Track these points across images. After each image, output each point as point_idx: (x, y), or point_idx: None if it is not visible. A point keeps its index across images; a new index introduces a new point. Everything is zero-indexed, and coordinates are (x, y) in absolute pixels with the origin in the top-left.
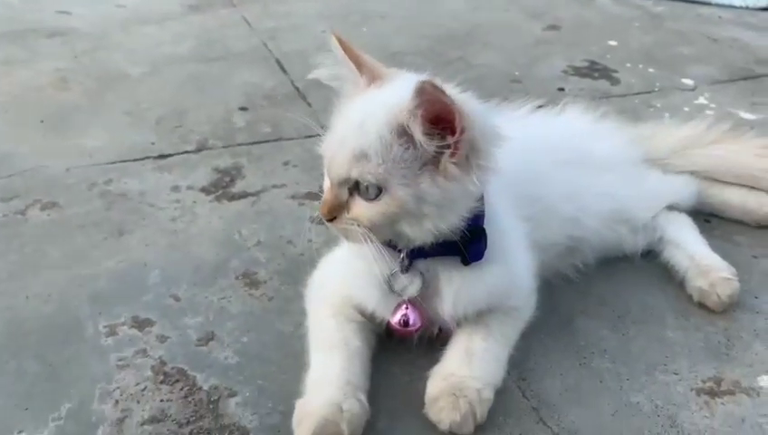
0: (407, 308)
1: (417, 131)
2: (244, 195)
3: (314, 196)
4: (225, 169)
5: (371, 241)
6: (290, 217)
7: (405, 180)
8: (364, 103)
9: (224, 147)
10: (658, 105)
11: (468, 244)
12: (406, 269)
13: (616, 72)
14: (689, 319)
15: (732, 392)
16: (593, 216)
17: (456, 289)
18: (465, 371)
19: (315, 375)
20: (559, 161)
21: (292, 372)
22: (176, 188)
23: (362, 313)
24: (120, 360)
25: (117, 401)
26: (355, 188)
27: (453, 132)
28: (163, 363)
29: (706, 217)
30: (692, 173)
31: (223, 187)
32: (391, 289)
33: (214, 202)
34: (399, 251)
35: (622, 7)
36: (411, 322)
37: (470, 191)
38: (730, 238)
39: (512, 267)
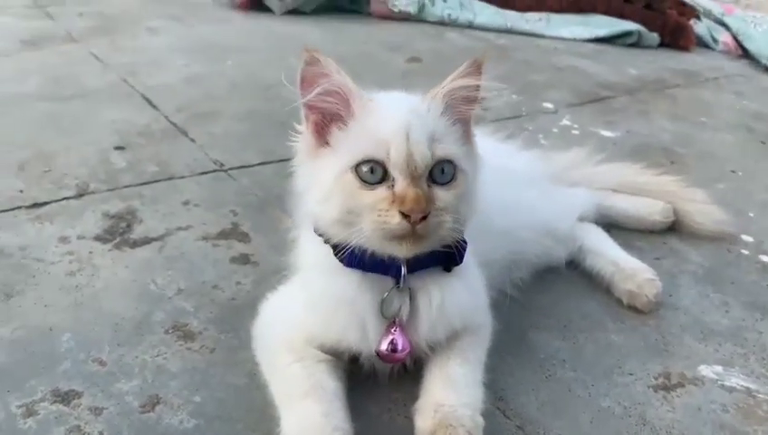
0: (395, 332)
1: (472, 96)
2: (147, 240)
3: (227, 235)
4: (117, 213)
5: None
6: (207, 261)
7: (465, 155)
8: (391, 102)
9: (109, 190)
10: (530, 128)
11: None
12: (401, 284)
13: (483, 99)
14: (625, 321)
15: (682, 385)
16: (525, 228)
17: (437, 305)
18: (452, 399)
19: (295, 429)
20: (488, 178)
21: (261, 428)
22: (64, 239)
23: (329, 350)
24: None
25: None
26: (429, 178)
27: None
28: None
29: (605, 228)
30: (586, 186)
31: (120, 233)
32: (384, 313)
33: (114, 251)
34: (391, 270)
35: (469, 40)
36: (400, 346)
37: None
38: (632, 245)
39: (474, 281)
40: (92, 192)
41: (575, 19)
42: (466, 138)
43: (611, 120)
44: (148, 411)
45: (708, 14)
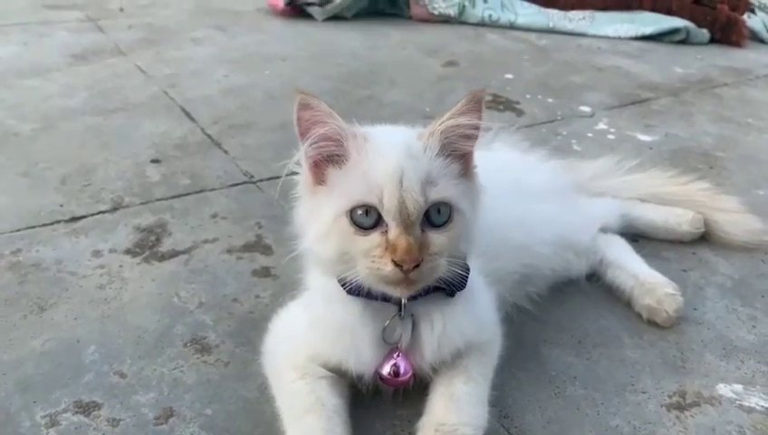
0: (397, 356)
1: (471, 134)
2: (174, 254)
3: (250, 247)
4: (147, 227)
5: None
6: (230, 274)
7: (462, 194)
8: (387, 142)
9: (142, 203)
10: (564, 133)
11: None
12: (402, 313)
13: (518, 103)
14: (643, 337)
15: (697, 404)
16: (541, 242)
17: (440, 331)
18: (454, 418)
19: None
20: (501, 192)
21: None
22: (97, 253)
23: (332, 369)
24: None
25: None
26: (424, 220)
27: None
28: None
29: (633, 238)
30: (613, 196)
31: (149, 247)
32: (386, 340)
33: (143, 264)
34: (391, 298)
35: (510, 42)
36: (402, 371)
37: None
38: (659, 255)
39: (478, 300)
40: (126, 206)
41: (620, 17)
42: (465, 174)
43: (650, 124)
44: (162, 423)
45: (764, 8)
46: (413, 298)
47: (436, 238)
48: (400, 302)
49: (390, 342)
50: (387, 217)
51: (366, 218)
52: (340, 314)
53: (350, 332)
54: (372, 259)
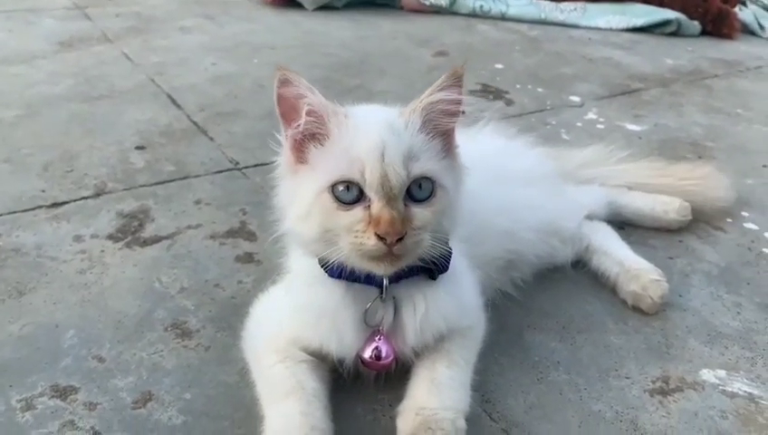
0: (379, 339)
1: (452, 110)
2: (157, 239)
3: (234, 233)
4: (130, 212)
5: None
6: (212, 259)
7: (445, 171)
8: (368, 119)
9: (125, 189)
10: (553, 122)
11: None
12: (384, 295)
13: (508, 93)
14: (627, 323)
15: (680, 389)
16: (526, 228)
17: (422, 314)
18: (435, 402)
19: (274, 428)
20: (486, 178)
21: (246, 425)
22: (78, 238)
23: (313, 353)
24: None
25: None
26: (407, 196)
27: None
28: (97, 434)
29: (620, 225)
30: (601, 184)
31: (132, 232)
32: (368, 323)
33: (124, 249)
34: (375, 280)
35: (501, 32)
36: (384, 354)
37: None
38: (645, 243)
39: (461, 284)
40: (109, 192)
41: (612, 8)
42: (447, 151)
43: (640, 114)
44: (140, 407)
45: (756, 0)
46: (395, 281)
47: (420, 213)
48: (382, 284)
49: (372, 324)
50: (369, 192)
51: (348, 194)
52: (321, 297)
53: (331, 314)
54: (355, 234)
